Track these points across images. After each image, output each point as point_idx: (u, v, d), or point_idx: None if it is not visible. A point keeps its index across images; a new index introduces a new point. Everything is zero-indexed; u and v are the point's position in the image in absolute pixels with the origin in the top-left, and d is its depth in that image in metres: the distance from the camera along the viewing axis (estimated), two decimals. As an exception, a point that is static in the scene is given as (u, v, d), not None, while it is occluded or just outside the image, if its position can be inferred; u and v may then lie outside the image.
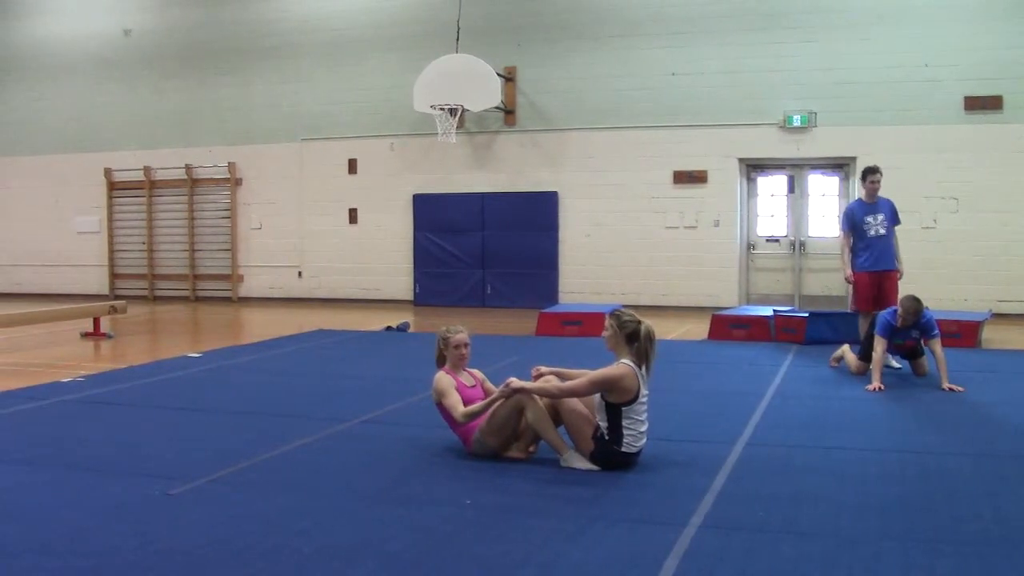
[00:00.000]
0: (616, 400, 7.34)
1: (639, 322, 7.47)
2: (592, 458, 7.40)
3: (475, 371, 8.33)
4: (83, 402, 10.36)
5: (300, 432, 8.69)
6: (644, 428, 7.44)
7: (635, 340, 7.43)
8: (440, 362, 8.18)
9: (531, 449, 7.80)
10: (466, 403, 7.79)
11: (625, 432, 7.34)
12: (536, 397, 7.53)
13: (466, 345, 8.15)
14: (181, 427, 9.16)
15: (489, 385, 8.22)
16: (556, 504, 6.57)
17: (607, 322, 7.61)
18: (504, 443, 7.72)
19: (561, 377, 7.75)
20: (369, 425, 9.15)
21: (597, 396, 7.45)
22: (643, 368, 7.43)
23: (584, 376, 7.50)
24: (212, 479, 7.16)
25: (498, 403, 7.62)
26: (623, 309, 7.72)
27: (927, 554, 5.52)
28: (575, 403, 7.54)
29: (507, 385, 7.57)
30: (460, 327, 8.22)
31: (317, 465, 7.66)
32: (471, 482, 7.13)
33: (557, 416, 7.60)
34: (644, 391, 7.44)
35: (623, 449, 7.35)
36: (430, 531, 5.96)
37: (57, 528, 6.03)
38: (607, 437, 7.37)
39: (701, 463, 7.54)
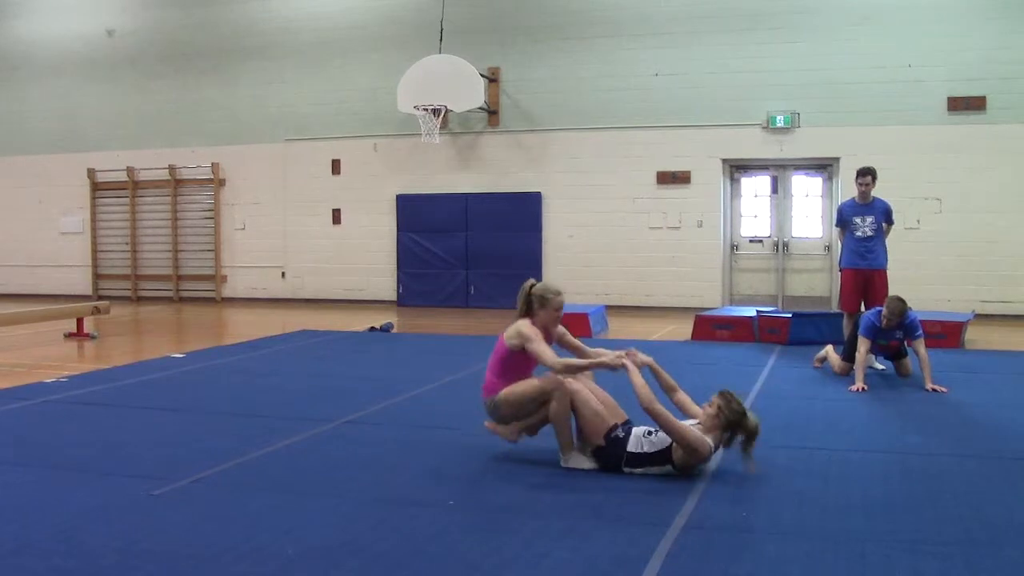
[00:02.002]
0: (678, 457, 7.13)
1: (743, 414, 7.19)
2: (596, 453, 7.37)
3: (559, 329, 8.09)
4: (66, 402, 10.33)
5: (284, 433, 8.68)
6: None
7: (731, 432, 7.22)
8: (527, 314, 7.89)
9: (523, 435, 7.74)
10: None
11: (645, 467, 7.25)
12: (569, 391, 7.37)
13: (561, 308, 7.98)
14: (164, 428, 9.13)
15: (570, 339, 8.10)
16: (540, 505, 6.57)
17: (717, 402, 7.24)
18: (513, 417, 7.67)
19: (655, 372, 7.61)
20: (353, 426, 9.14)
21: (677, 445, 7.13)
22: (719, 449, 7.27)
23: (684, 425, 7.16)
24: (195, 480, 7.15)
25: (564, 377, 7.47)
26: (733, 394, 7.32)
27: (911, 554, 5.54)
28: (591, 397, 7.44)
29: (628, 354, 7.44)
30: (558, 289, 8.02)
31: (301, 466, 7.65)
32: (455, 482, 7.13)
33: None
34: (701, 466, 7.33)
35: (625, 469, 7.28)
36: (414, 532, 5.96)
37: (40, 528, 6.01)
38: (621, 435, 7.32)
39: (685, 463, 7.55)
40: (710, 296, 20.83)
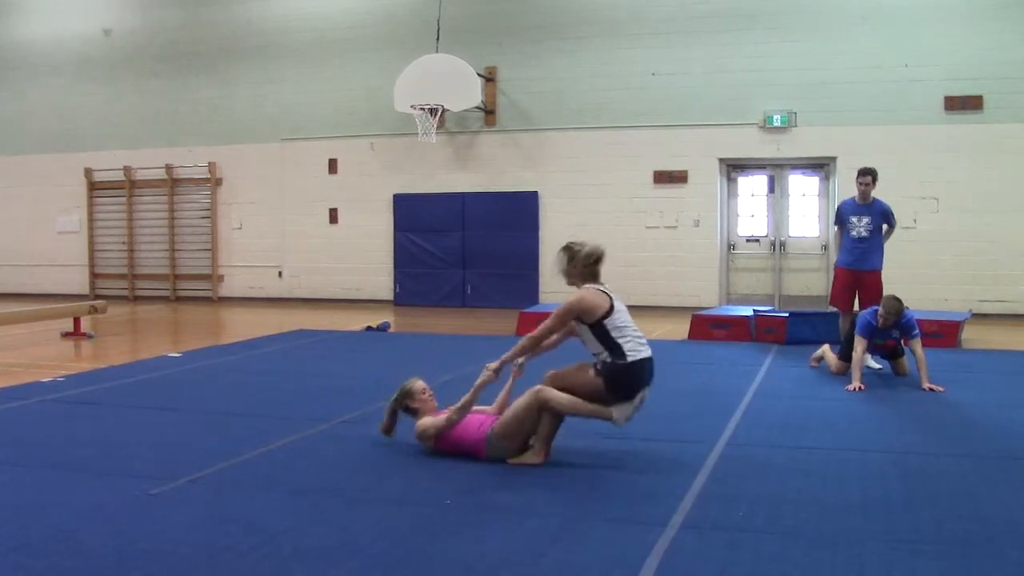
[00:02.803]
0: (593, 319, 7.48)
1: (589, 248, 7.80)
2: (607, 388, 7.47)
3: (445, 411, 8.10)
4: (63, 402, 10.33)
5: (281, 432, 8.68)
6: (639, 334, 7.59)
7: (589, 267, 7.73)
8: (415, 416, 8.01)
9: (546, 454, 7.62)
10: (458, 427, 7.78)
11: (623, 344, 7.47)
12: (550, 390, 7.48)
13: (426, 390, 8.09)
14: (162, 427, 9.13)
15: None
16: (537, 504, 6.57)
17: (558, 256, 7.87)
18: (519, 444, 7.61)
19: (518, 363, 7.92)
20: (350, 425, 9.14)
21: (586, 332, 7.56)
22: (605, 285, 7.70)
23: (550, 317, 7.66)
24: (193, 479, 7.15)
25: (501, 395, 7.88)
26: (571, 242, 7.93)
27: (909, 554, 5.54)
28: (562, 372, 7.66)
29: (486, 370, 7.68)
30: (413, 379, 8.18)
31: (298, 465, 7.64)
32: (452, 482, 7.12)
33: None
34: (618, 302, 7.65)
35: (629, 358, 7.46)
36: (411, 532, 5.96)
37: (38, 528, 6.01)
38: (609, 359, 7.46)
39: (682, 463, 7.55)
40: (707, 295, 20.83)
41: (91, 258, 25.85)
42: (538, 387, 7.52)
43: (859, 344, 11.31)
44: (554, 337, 7.86)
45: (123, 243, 25.54)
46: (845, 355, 11.80)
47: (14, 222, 26.37)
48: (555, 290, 21.49)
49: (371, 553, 5.58)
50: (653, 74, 21.17)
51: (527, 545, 5.71)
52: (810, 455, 7.91)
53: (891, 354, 11.84)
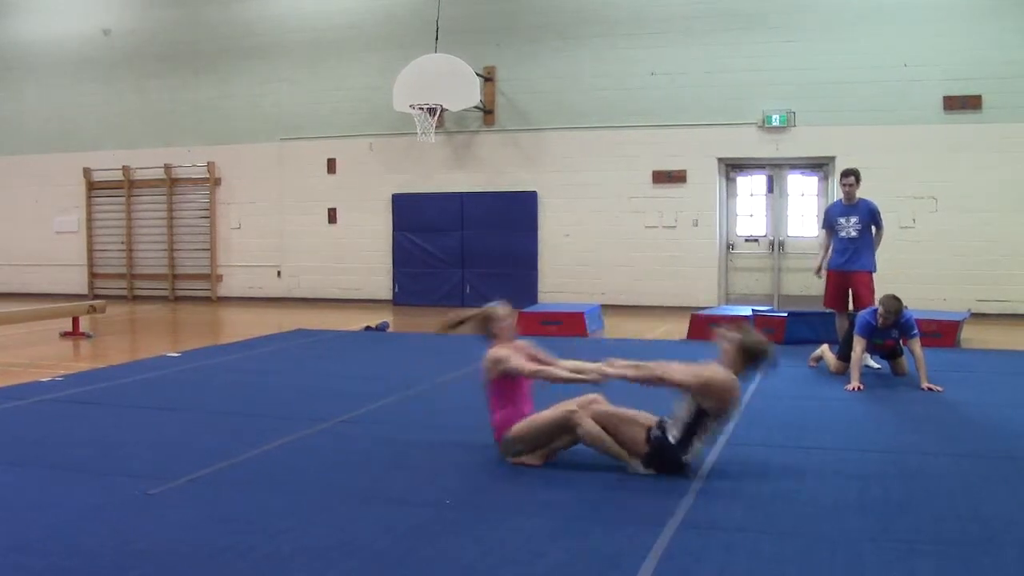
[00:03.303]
0: (708, 407, 7.11)
1: (764, 345, 7.29)
2: (647, 456, 7.22)
3: (520, 342, 8.09)
4: (62, 402, 10.32)
5: (280, 432, 8.68)
6: (706, 447, 7.38)
7: (749, 363, 7.26)
8: (492, 340, 7.90)
9: (548, 459, 7.58)
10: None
11: (696, 444, 7.20)
12: (586, 422, 7.28)
13: (508, 317, 8.02)
14: (160, 427, 9.13)
15: (542, 354, 7.99)
16: (536, 504, 6.57)
17: (725, 333, 7.35)
18: (532, 449, 7.54)
19: (638, 368, 7.42)
20: (349, 425, 9.14)
21: (690, 404, 7.18)
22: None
23: (686, 367, 7.21)
24: (192, 479, 7.15)
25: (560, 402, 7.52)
26: (743, 329, 7.46)
27: (907, 554, 5.54)
28: (615, 409, 7.38)
29: (599, 371, 7.39)
30: (499, 303, 8.07)
31: (297, 465, 7.64)
32: (451, 482, 7.13)
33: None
34: (735, 413, 7.38)
35: (684, 459, 7.18)
36: (410, 531, 5.96)
37: (37, 528, 6.01)
38: (672, 440, 7.15)
39: (681, 463, 7.55)
40: (706, 295, 20.81)
41: (90, 258, 25.85)
42: (574, 410, 7.34)
43: (858, 344, 11.31)
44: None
45: (122, 243, 25.53)
46: (844, 355, 11.81)
47: (13, 222, 26.37)
48: (553, 290, 21.59)
49: (370, 553, 5.58)
50: (652, 74, 21.17)
51: (526, 545, 5.71)
52: (808, 455, 7.91)
53: (890, 354, 11.84)
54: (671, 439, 7.15)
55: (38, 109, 26.03)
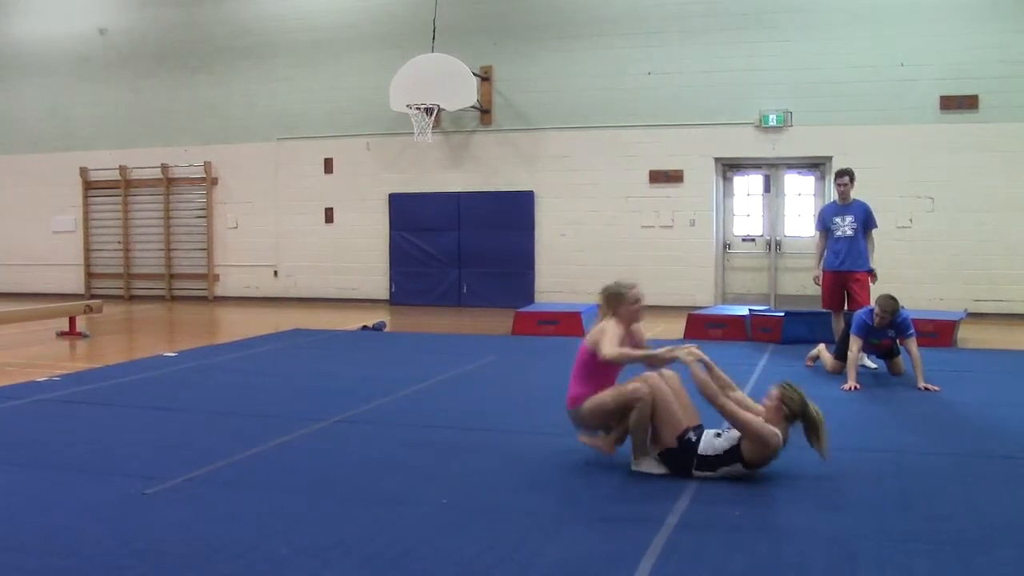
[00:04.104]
0: (747, 453, 7.07)
1: (804, 404, 7.17)
2: (665, 457, 7.23)
3: (636, 327, 7.92)
4: (59, 401, 10.32)
5: (276, 432, 8.67)
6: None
7: (795, 420, 7.18)
8: (610, 316, 7.76)
9: (617, 447, 7.55)
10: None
11: (717, 469, 7.13)
12: (652, 398, 7.21)
13: (639, 300, 7.82)
14: (157, 426, 9.13)
15: (642, 336, 7.95)
16: (533, 503, 6.57)
17: (772, 392, 7.26)
18: (597, 425, 7.54)
19: (711, 371, 7.35)
20: (345, 425, 9.14)
21: (751, 439, 7.06)
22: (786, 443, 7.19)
23: (752, 416, 7.12)
24: (188, 479, 7.14)
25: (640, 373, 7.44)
26: (792, 384, 7.30)
27: (903, 553, 5.54)
28: (672, 400, 7.31)
29: (692, 353, 7.31)
30: (633, 285, 7.89)
31: (293, 465, 7.64)
32: (448, 481, 7.12)
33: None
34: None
35: (694, 472, 7.14)
36: (407, 531, 5.96)
37: (34, 528, 6.01)
38: (699, 452, 7.12)
39: (678, 462, 7.55)
40: (703, 295, 20.82)
41: (86, 258, 25.83)
42: (639, 388, 7.26)
43: (854, 343, 11.32)
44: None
45: (118, 243, 25.52)
46: (841, 354, 11.81)
47: (9, 221, 26.35)
48: (550, 290, 21.61)
49: (366, 552, 5.58)
50: (649, 73, 21.17)
51: (523, 544, 5.71)
52: (805, 455, 7.90)
53: (887, 353, 11.86)
54: (700, 450, 7.14)
55: (34, 108, 26.01)
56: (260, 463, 7.69)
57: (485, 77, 22.11)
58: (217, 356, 13.94)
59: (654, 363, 7.56)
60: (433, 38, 20.88)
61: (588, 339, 7.66)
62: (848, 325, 11.77)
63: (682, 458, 7.16)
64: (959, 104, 19.34)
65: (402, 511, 6.36)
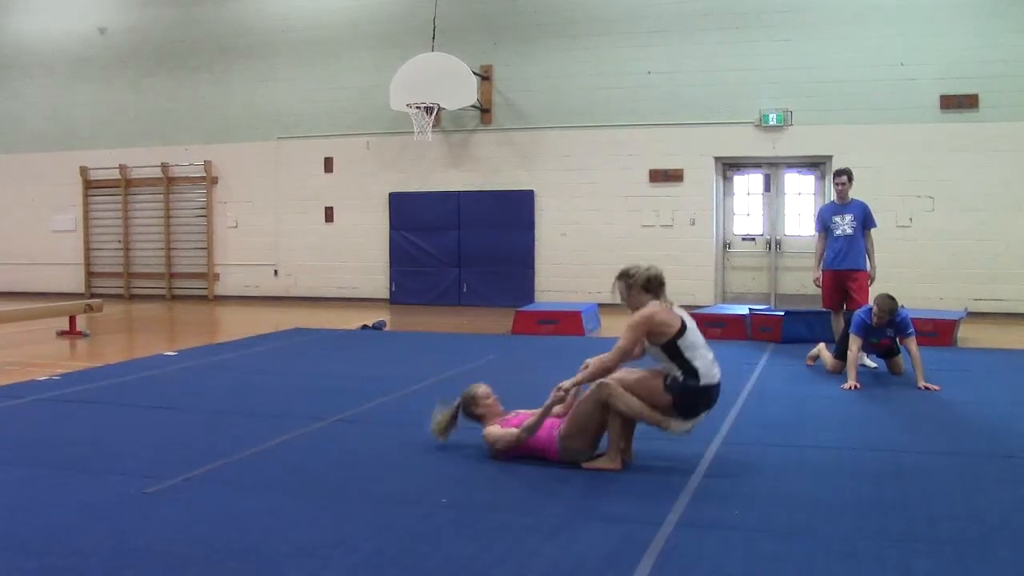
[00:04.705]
0: (666, 339, 7.26)
1: (648, 269, 7.60)
2: (675, 405, 7.25)
3: (508, 414, 7.96)
4: (59, 401, 10.32)
5: (276, 431, 8.67)
6: (711, 356, 7.39)
7: (652, 288, 7.51)
8: (481, 421, 7.87)
9: (627, 458, 7.51)
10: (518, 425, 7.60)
11: (698, 365, 7.25)
12: (614, 385, 7.23)
13: (489, 395, 7.95)
14: (157, 426, 9.13)
15: (523, 415, 7.88)
16: (532, 502, 6.57)
17: (616, 286, 7.63)
18: (591, 442, 7.44)
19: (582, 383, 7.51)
20: (345, 424, 9.14)
21: (656, 351, 7.31)
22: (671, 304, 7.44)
23: (613, 351, 7.31)
24: (188, 478, 7.14)
25: (556, 406, 7.51)
26: (627, 268, 7.74)
27: (903, 553, 5.54)
28: (628, 373, 7.37)
29: (558, 390, 7.42)
30: (476, 384, 8.05)
31: (293, 464, 7.64)
32: (447, 480, 7.13)
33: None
34: (689, 321, 7.44)
35: (703, 382, 7.25)
36: (406, 530, 5.96)
37: (33, 527, 6.01)
38: (682, 379, 7.22)
39: (677, 462, 7.54)
40: (702, 294, 20.81)
41: (87, 257, 25.85)
42: (601, 380, 7.30)
43: (854, 343, 11.31)
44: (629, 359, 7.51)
45: (119, 242, 25.54)
46: (840, 354, 11.81)
47: (9, 221, 26.38)
48: (550, 289, 21.59)
49: (365, 552, 5.57)
50: (649, 73, 21.18)
51: (522, 543, 5.70)
52: (805, 454, 7.91)
53: (886, 353, 11.86)
54: (680, 376, 7.25)
55: (35, 108, 26.03)
56: (260, 463, 7.68)
57: (485, 76, 22.11)
58: (217, 355, 13.94)
59: (543, 419, 7.57)
60: (433, 37, 20.92)
61: (491, 454, 7.71)
62: (848, 324, 11.77)
63: (687, 394, 7.26)
64: (959, 103, 19.35)
65: (402, 510, 6.36)
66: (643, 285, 7.53)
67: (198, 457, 7.71)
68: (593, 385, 7.35)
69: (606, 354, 7.38)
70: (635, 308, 7.47)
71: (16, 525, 6.07)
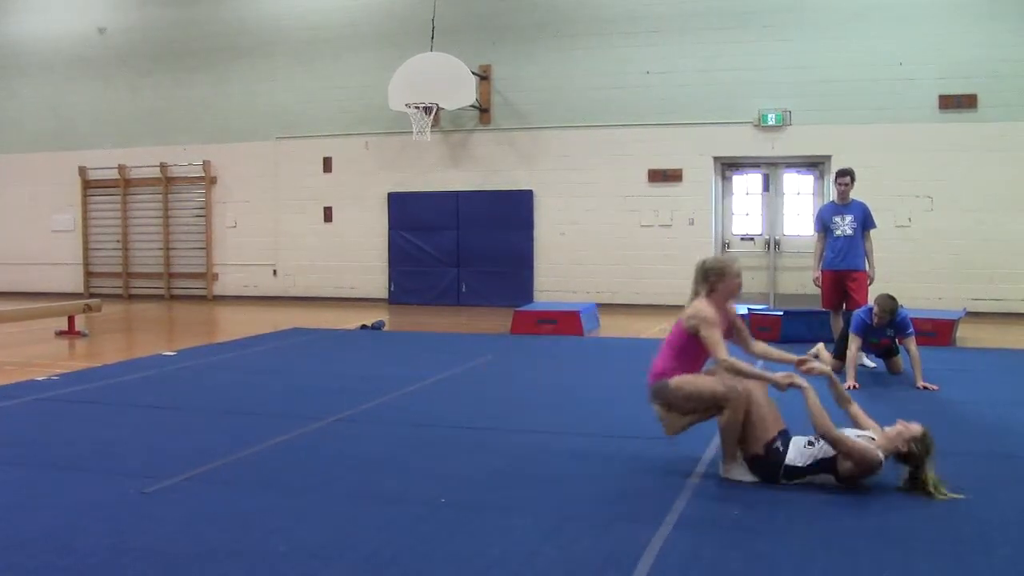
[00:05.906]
0: (845, 473, 6.86)
1: (922, 463, 6.85)
2: (752, 463, 7.08)
3: (732, 308, 7.79)
4: (58, 400, 10.32)
5: (275, 431, 8.67)
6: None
7: (903, 463, 6.93)
8: (705, 292, 7.57)
9: (680, 432, 7.43)
10: None
11: (804, 477, 7.00)
12: (747, 401, 7.10)
13: (739, 279, 7.67)
14: (156, 425, 9.13)
15: (741, 326, 7.84)
16: (531, 502, 6.56)
17: (910, 429, 6.97)
18: (680, 407, 7.29)
19: (830, 385, 7.49)
20: (344, 424, 9.14)
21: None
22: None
23: (862, 444, 6.87)
24: (187, 477, 7.14)
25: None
26: (925, 439, 6.92)
27: (902, 553, 5.54)
28: (763, 403, 7.23)
29: (789, 376, 7.20)
30: (734, 260, 7.74)
31: (292, 463, 7.64)
32: (446, 480, 7.12)
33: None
34: None
35: (781, 480, 7.01)
36: (405, 530, 5.96)
37: (32, 527, 6.00)
38: (788, 463, 6.98)
39: (676, 461, 7.54)
40: (702, 294, 20.74)
41: (85, 256, 25.84)
42: (740, 393, 7.13)
43: (853, 342, 11.32)
44: None
45: (117, 241, 25.53)
46: (840, 353, 11.81)
47: (8, 220, 26.37)
48: (548, 288, 21.59)
49: (364, 552, 5.57)
50: (647, 72, 21.17)
51: (521, 543, 5.70)
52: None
53: (885, 353, 11.86)
54: (788, 460, 7.02)
55: (33, 107, 26.02)
56: (259, 462, 7.68)
57: (484, 76, 22.11)
58: (216, 355, 13.94)
59: (755, 378, 7.37)
60: (432, 37, 20.90)
61: (685, 320, 7.46)
62: (847, 324, 11.77)
63: (769, 467, 7.03)
64: (958, 103, 19.35)
65: (401, 510, 6.36)
66: (905, 459, 6.92)
67: (197, 457, 7.71)
68: (731, 387, 7.16)
69: (848, 436, 6.98)
70: (885, 443, 6.99)
71: (15, 525, 6.07)
